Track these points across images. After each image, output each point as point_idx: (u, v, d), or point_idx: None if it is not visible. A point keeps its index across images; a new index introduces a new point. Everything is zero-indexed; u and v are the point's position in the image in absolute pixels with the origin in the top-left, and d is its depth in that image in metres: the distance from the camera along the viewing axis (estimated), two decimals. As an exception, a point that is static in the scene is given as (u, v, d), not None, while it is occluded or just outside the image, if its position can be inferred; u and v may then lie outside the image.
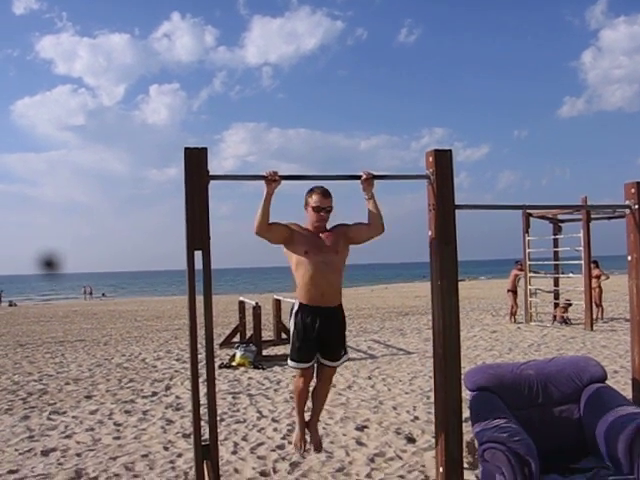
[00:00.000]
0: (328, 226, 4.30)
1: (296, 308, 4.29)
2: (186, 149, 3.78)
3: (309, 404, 4.59)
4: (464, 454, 4.60)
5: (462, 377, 4.49)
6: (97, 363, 11.28)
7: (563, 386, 4.72)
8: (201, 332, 3.86)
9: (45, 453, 5.75)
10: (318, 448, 4.61)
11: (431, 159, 4.19)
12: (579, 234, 14.72)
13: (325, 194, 4.22)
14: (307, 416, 4.63)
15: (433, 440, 4.74)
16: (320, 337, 4.22)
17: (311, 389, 4.56)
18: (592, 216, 14.72)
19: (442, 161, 4.17)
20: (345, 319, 4.40)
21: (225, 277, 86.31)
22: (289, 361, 4.40)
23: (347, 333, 4.40)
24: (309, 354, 4.28)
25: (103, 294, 58.20)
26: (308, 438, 4.57)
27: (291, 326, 4.35)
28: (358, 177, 4.16)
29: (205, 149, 3.83)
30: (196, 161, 3.80)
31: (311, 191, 4.25)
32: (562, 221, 16.53)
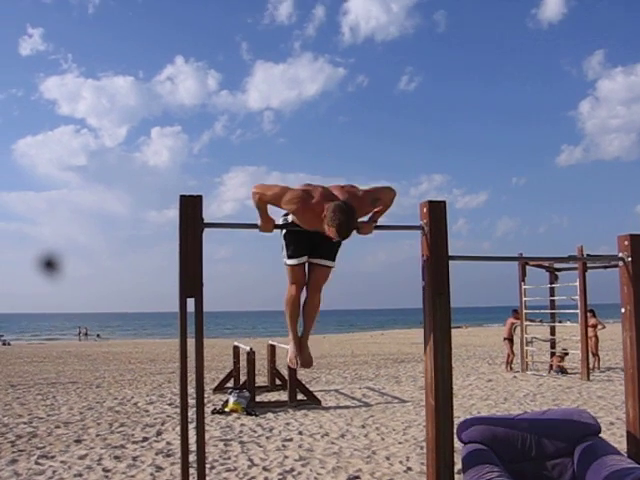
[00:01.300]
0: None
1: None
2: (181, 197, 3.82)
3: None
4: (456, 508, 4.54)
5: (455, 429, 4.45)
6: (88, 406, 11.16)
7: (557, 440, 4.67)
8: (193, 375, 3.84)
9: (31, 499, 5.66)
10: (306, 365, 4.70)
11: (425, 210, 4.23)
12: (575, 283, 14.73)
13: (341, 232, 3.86)
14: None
15: (425, 493, 4.67)
16: (313, 237, 4.26)
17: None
18: (588, 265, 14.76)
19: (436, 212, 4.21)
20: None
21: (222, 320, 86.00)
22: (287, 260, 4.40)
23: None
24: (302, 250, 4.34)
25: (98, 335, 57.92)
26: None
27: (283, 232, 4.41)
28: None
29: (200, 197, 3.86)
30: (191, 208, 3.82)
31: (331, 218, 3.83)
32: (558, 270, 16.56)
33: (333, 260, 4.44)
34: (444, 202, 4.24)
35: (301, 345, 4.65)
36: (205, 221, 3.89)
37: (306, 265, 4.44)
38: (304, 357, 4.65)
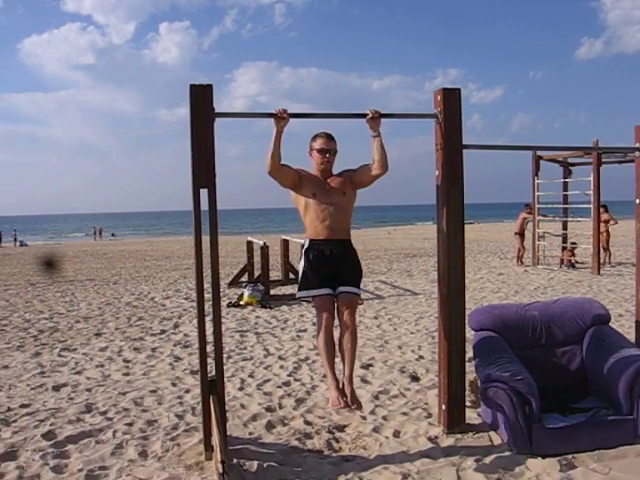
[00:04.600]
0: (335, 172, 4.26)
1: (306, 245, 4.24)
2: (191, 86, 3.74)
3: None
4: (467, 392, 4.68)
5: (467, 317, 4.52)
6: (107, 302, 11.42)
7: (566, 327, 4.75)
8: (208, 271, 3.88)
9: (56, 388, 5.86)
10: (357, 406, 4.11)
11: (439, 98, 4.14)
12: (589, 178, 14.57)
13: (329, 137, 4.21)
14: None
15: (437, 379, 4.80)
16: (333, 265, 4.15)
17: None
18: (603, 160, 14.52)
19: (450, 100, 4.12)
20: (357, 256, 4.31)
21: (234, 218, 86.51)
22: (297, 293, 4.32)
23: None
24: (321, 281, 4.13)
25: (113, 234, 58.50)
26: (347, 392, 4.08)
27: (301, 264, 4.27)
28: (365, 115, 4.11)
29: (210, 86, 3.78)
30: (202, 98, 3.76)
31: (315, 136, 4.24)
32: (572, 164, 16.37)
33: (357, 287, 4.20)
34: (459, 89, 4.14)
35: (345, 386, 4.06)
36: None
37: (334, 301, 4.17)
38: (352, 398, 4.03)
